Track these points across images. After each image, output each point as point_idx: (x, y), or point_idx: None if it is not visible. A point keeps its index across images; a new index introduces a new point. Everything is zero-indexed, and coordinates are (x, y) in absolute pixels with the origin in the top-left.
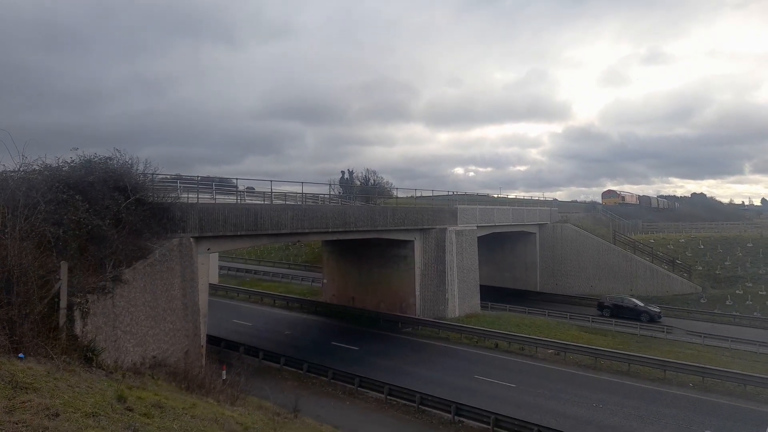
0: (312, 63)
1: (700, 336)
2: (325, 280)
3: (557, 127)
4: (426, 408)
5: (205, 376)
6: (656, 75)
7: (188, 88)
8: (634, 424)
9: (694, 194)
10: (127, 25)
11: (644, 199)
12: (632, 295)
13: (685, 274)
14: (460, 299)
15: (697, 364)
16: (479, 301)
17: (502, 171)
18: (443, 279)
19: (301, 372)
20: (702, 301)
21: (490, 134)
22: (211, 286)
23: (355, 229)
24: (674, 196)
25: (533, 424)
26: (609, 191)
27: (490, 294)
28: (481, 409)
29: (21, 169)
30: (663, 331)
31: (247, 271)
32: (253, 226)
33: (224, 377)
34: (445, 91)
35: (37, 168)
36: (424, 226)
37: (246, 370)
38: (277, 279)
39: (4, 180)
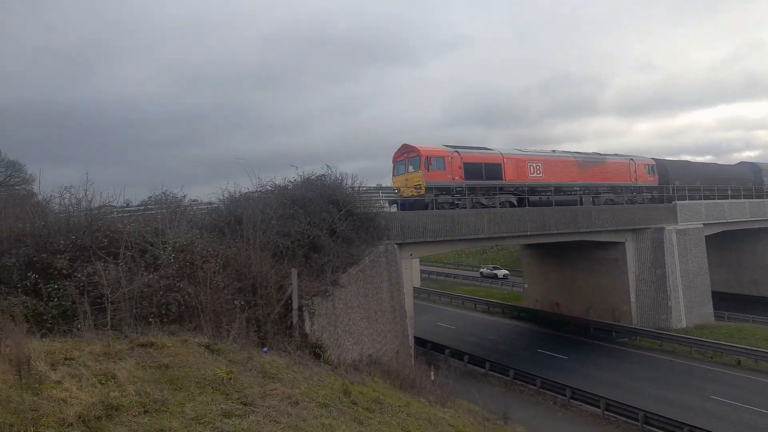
0: (489, 68)
1: None
2: (526, 285)
3: None
4: (652, 428)
5: (415, 376)
6: None
7: (377, 107)
8: None
9: None
10: (325, 61)
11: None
12: None
13: None
14: (687, 307)
15: None
16: (712, 310)
17: (726, 158)
18: (663, 285)
19: (507, 378)
20: None
21: (702, 119)
22: (414, 290)
23: (555, 231)
24: None
25: None
26: (405, 148)
27: (726, 302)
28: None
29: (258, 190)
30: None
31: (447, 275)
32: (451, 231)
33: (432, 378)
34: (638, 79)
35: (270, 188)
36: (636, 226)
37: (452, 373)
38: (476, 283)
39: (246, 200)
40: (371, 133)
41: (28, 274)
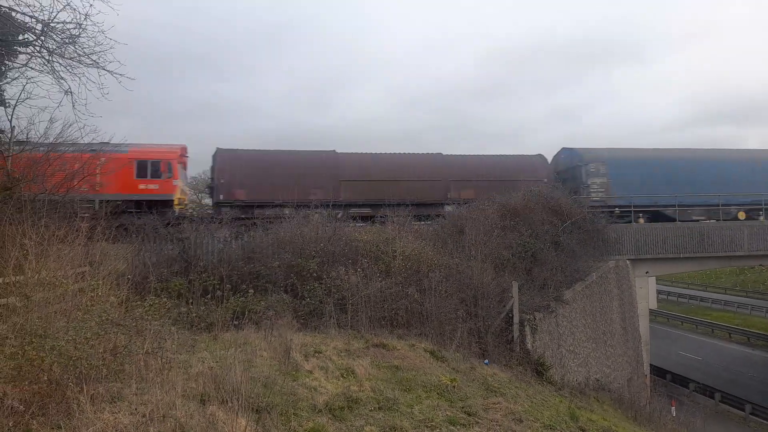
0: (742, 59)
1: None
2: None
3: None
4: None
5: (653, 409)
6: None
7: (602, 110)
8: None
9: None
10: (545, 68)
11: None
12: None
13: None
14: None
15: None
16: None
17: None
18: None
19: None
20: None
21: None
22: (650, 312)
23: None
24: None
25: None
26: None
27: None
28: None
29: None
30: None
31: (691, 297)
32: (699, 247)
33: (674, 414)
34: None
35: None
36: None
37: (700, 411)
38: (729, 308)
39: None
40: (594, 138)
41: (291, 275)
